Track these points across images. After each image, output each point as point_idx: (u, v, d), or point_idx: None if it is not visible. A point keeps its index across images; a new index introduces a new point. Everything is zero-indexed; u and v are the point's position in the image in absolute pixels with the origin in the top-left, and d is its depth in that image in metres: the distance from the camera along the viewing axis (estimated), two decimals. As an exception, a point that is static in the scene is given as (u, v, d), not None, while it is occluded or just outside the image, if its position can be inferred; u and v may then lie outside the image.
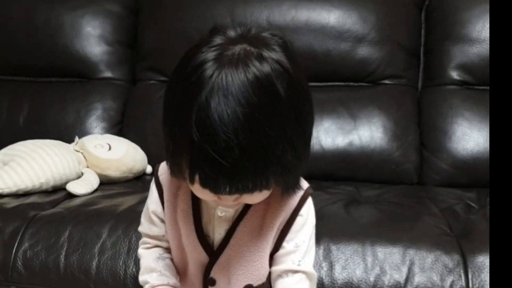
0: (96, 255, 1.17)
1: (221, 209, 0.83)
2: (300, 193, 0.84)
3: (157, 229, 0.91)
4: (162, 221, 0.90)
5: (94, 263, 1.16)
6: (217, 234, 0.86)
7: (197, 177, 0.70)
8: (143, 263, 0.94)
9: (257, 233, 0.84)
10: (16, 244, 1.20)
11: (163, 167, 0.90)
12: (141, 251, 0.95)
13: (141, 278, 0.93)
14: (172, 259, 0.93)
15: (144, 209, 0.94)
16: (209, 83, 0.67)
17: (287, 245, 0.84)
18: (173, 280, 0.90)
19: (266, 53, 0.70)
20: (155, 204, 0.90)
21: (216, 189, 0.71)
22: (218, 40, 0.72)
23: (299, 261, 0.84)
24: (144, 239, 0.95)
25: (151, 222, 0.92)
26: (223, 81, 0.67)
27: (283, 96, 0.69)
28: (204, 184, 0.71)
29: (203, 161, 0.68)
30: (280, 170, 0.71)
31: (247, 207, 0.84)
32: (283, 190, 0.80)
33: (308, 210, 0.86)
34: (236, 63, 0.68)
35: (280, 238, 0.84)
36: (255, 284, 0.86)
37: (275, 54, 0.71)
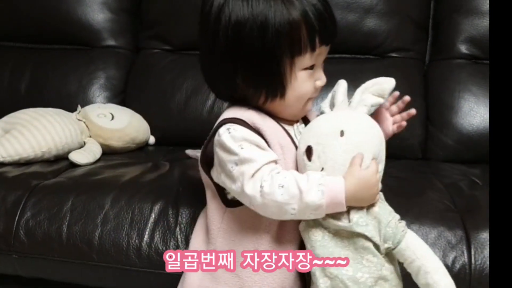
0: (99, 226, 1.17)
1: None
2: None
3: (275, 154, 0.89)
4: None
5: (97, 234, 1.16)
6: None
7: (317, 38, 0.87)
8: (298, 174, 0.86)
9: None
10: (18, 213, 1.20)
11: (237, 123, 0.89)
12: (285, 174, 0.85)
13: (310, 176, 0.85)
14: None
15: (248, 149, 0.86)
16: None
17: None
18: None
19: None
20: (257, 137, 0.88)
21: (329, 37, 0.89)
22: None
23: None
24: (271, 166, 0.86)
25: (267, 150, 0.88)
26: None
27: None
28: (323, 38, 0.89)
29: (316, 21, 0.86)
30: None
31: None
32: None
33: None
34: None
35: None
36: None
37: None
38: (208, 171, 0.93)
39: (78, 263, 1.18)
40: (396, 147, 1.57)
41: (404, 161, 1.54)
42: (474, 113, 1.55)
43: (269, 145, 0.89)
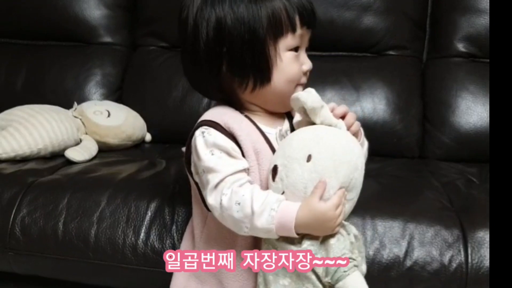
0: (95, 223, 1.16)
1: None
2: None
3: (246, 162, 0.88)
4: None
5: (92, 231, 1.16)
6: None
7: (297, 18, 0.89)
8: (256, 194, 0.85)
9: None
10: (14, 211, 1.19)
11: (212, 127, 0.89)
12: (245, 191, 0.85)
13: (267, 199, 0.84)
14: None
15: (216, 157, 0.87)
16: None
17: None
18: None
19: None
20: (229, 143, 0.88)
21: (310, 20, 0.91)
22: None
23: None
24: (236, 177, 0.86)
25: (238, 157, 0.88)
26: None
27: None
28: (303, 19, 0.90)
29: (295, 4, 0.89)
30: None
31: None
32: None
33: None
34: None
35: None
36: None
37: None
38: (191, 173, 0.93)
39: (74, 260, 1.18)
40: (393, 145, 1.60)
41: (401, 160, 1.54)
42: (472, 111, 1.55)
43: (243, 151, 0.88)
